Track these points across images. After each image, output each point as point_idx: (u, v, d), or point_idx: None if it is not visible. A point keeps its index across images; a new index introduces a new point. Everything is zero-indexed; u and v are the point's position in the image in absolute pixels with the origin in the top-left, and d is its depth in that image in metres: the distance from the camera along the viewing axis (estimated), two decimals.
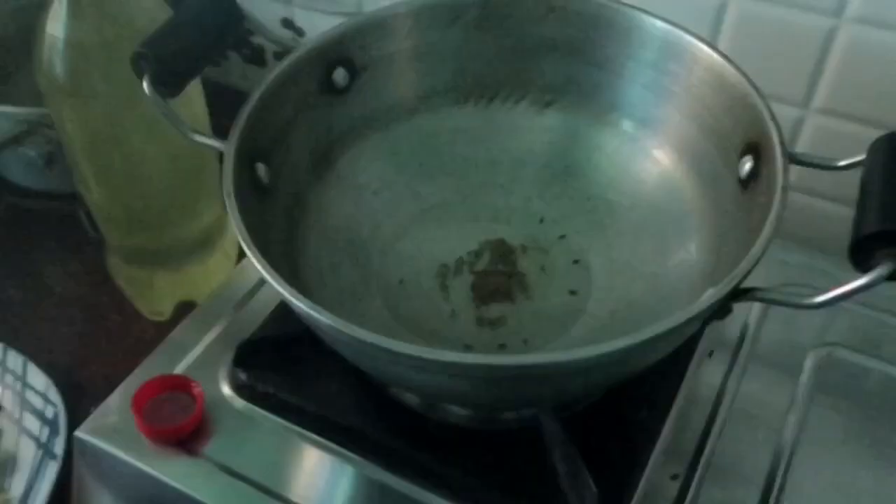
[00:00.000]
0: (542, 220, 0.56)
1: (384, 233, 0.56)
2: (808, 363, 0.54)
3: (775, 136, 0.45)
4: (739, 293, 0.40)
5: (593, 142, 0.57)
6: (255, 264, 0.41)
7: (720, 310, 0.41)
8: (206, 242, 0.68)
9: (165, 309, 0.68)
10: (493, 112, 0.58)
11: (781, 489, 0.48)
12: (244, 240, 0.41)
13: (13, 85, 0.79)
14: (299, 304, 0.39)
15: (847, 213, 0.40)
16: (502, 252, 0.55)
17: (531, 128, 0.58)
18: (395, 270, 0.54)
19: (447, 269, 0.54)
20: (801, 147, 0.63)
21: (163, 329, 0.59)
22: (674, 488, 0.48)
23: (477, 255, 0.55)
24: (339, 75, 0.54)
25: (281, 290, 0.40)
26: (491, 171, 0.58)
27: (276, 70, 0.50)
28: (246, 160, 0.47)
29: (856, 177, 0.41)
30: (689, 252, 0.50)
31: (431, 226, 0.56)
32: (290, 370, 0.51)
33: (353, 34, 0.54)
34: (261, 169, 0.49)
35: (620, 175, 0.56)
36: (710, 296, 0.39)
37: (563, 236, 0.56)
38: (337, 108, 0.54)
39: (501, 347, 0.50)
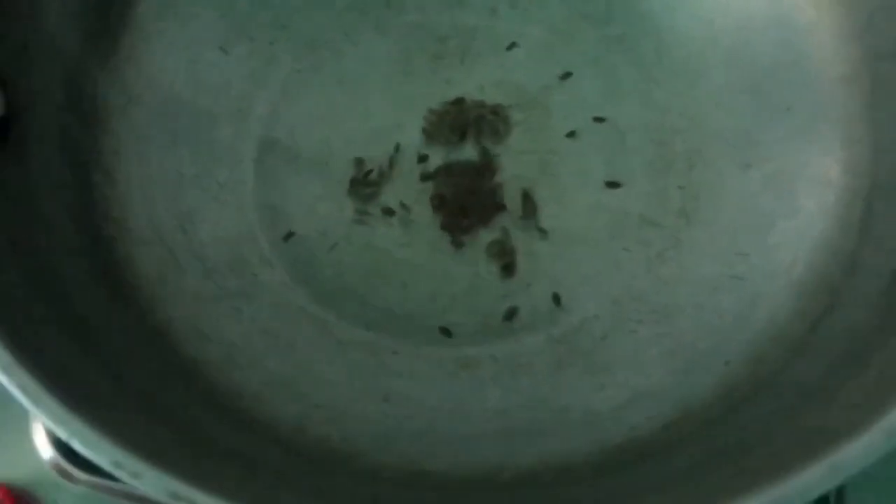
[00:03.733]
0: (512, 47, 0.32)
1: (250, 127, 0.30)
2: None
3: None
4: None
5: None
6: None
7: None
8: None
9: None
10: None
11: None
12: None
13: None
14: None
15: None
16: (467, 124, 0.31)
17: None
18: (286, 205, 0.30)
19: (380, 178, 0.30)
20: None
21: None
22: None
23: (427, 138, 0.31)
24: None
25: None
26: None
27: None
28: None
29: None
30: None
31: (333, 100, 0.31)
32: None
33: None
34: None
35: None
36: None
37: (567, 74, 0.31)
38: None
39: (511, 316, 0.28)
